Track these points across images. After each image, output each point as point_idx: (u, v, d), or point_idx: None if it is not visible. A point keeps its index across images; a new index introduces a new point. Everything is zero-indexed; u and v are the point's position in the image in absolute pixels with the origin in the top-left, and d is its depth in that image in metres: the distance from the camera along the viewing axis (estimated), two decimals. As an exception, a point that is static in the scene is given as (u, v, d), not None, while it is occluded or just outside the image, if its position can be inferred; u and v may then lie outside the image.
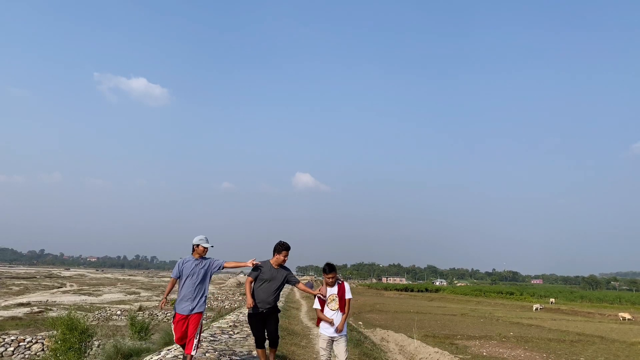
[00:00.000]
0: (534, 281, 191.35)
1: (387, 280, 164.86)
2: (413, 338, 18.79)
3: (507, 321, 35.45)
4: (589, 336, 26.18)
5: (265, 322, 6.29)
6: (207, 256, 6.51)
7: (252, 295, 6.20)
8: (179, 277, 6.32)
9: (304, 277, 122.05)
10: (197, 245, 6.39)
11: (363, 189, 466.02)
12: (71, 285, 75.53)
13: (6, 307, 39.32)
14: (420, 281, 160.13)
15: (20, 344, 20.17)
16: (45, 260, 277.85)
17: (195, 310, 6.24)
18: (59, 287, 69.46)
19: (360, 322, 28.06)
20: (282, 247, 6.23)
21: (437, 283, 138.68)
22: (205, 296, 6.42)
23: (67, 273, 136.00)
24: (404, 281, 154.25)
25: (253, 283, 6.29)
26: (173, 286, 6.39)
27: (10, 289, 62.53)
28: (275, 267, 6.28)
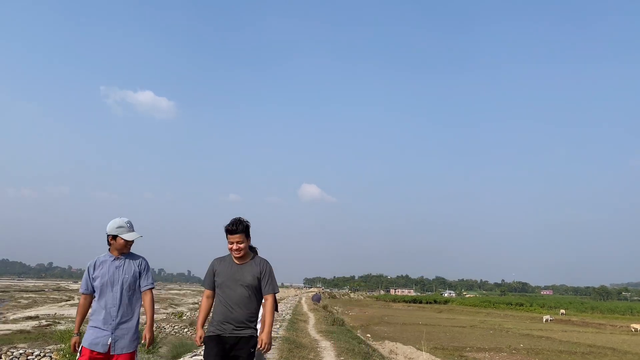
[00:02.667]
0: (543, 292, 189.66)
1: (395, 291, 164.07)
2: (422, 350, 18.66)
3: (517, 333, 35.13)
4: (600, 348, 25.87)
5: (227, 358, 3.89)
6: (135, 253, 4.20)
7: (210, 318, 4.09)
8: (92, 292, 4.03)
9: (312, 289, 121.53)
10: (114, 237, 4.02)
11: (369, 199, 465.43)
12: (79, 298, 75.60)
13: (15, 321, 39.43)
14: (429, 292, 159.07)
15: (29, 357, 20.23)
16: (53, 273, 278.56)
17: (120, 349, 3.94)
18: (67, 300, 69.62)
19: (369, 335, 27.89)
20: (229, 229, 3.95)
21: (446, 294, 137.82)
22: (137, 321, 4.12)
23: (75, 286, 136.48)
24: (412, 293, 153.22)
25: (212, 300, 4.15)
26: (87, 310, 4.10)
27: (19, 302, 62.80)
28: (239, 262, 4.00)
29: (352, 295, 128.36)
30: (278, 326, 18.03)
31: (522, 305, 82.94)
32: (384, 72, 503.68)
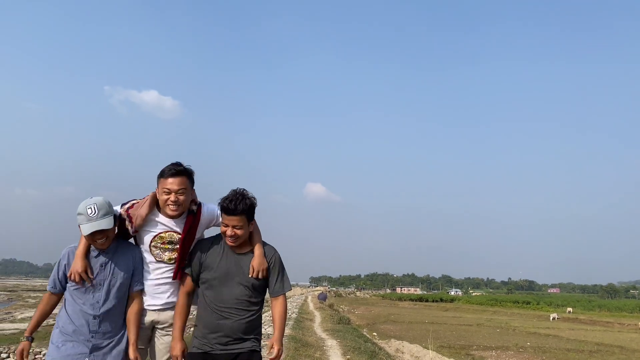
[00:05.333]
0: (550, 290, 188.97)
1: (401, 290, 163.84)
2: (428, 349, 18.60)
3: (524, 331, 34.95)
4: (608, 346, 25.71)
5: None
6: (121, 241, 3.10)
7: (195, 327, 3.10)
8: (62, 292, 3.02)
9: (318, 288, 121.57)
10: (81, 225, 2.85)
11: (375, 198, 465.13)
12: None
13: (22, 320, 39.58)
14: (435, 291, 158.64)
15: (36, 356, 20.37)
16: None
17: None
18: (74, 300, 69.94)
19: (375, 333, 27.83)
20: (226, 208, 2.94)
21: (452, 293, 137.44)
22: (124, 333, 3.03)
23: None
24: (419, 291, 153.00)
25: (192, 297, 3.17)
26: (49, 311, 3.04)
27: (27, 301, 62.99)
28: (237, 252, 3.07)
29: (358, 293, 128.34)
30: (284, 325, 17.98)
31: (529, 303, 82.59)
32: (390, 70, 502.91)
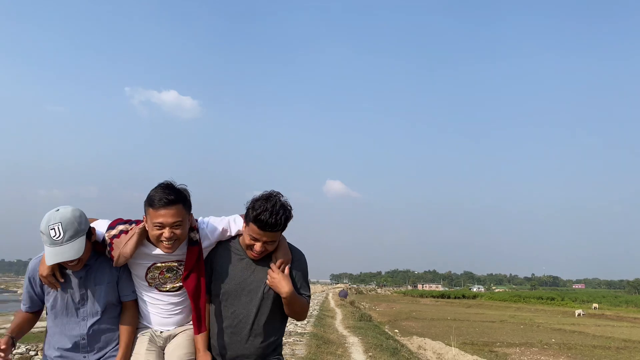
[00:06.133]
0: (575, 286, 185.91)
1: (422, 287, 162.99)
2: (451, 346, 18.48)
3: (549, 327, 34.48)
4: (635, 343, 25.20)
5: None
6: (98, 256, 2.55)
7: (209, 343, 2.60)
8: (40, 310, 2.65)
9: (338, 285, 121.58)
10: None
11: (395, 194, 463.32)
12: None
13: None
14: (457, 288, 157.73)
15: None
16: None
17: None
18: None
19: (396, 330, 27.75)
20: (265, 222, 2.39)
21: (474, 289, 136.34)
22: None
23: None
24: (440, 288, 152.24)
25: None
26: (29, 326, 2.63)
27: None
28: (255, 257, 2.56)
29: (379, 290, 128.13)
30: (306, 322, 18.09)
31: (553, 299, 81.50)
32: (408, 64, 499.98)
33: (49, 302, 2.55)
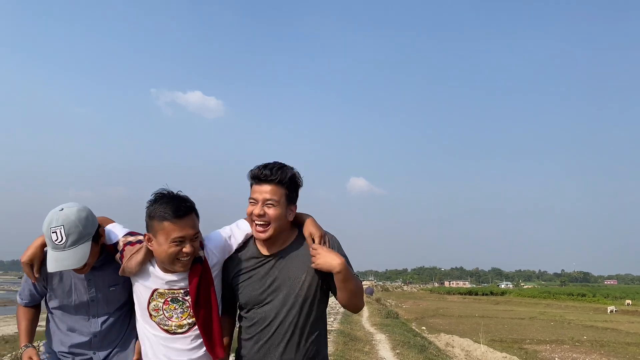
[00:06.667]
0: (607, 282, 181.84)
1: (449, 284, 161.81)
2: (479, 343, 18.29)
3: (580, 324, 33.84)
4: (672, 340, 24.55)
5: None
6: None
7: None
8: (36, 305, 2.46)
9: (364, 283, 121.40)
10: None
11: (420, 190, 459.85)
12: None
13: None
14: (485, 284, 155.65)
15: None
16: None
17: None
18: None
19: (424, 327, 27.60)
20: (257, 175, 2.14)
21: (503, 286, 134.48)
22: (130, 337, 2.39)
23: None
24: (468, 285, 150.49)
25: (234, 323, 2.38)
26: (33, 323, 2.44)
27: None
28: (273, 249, 2.21)
29: (405, 288, 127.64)
30: (332, 319, 18.13)
31: (584, 295, 79.86)
32: (432, 58, 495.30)
33: (53, 301, 2.31)
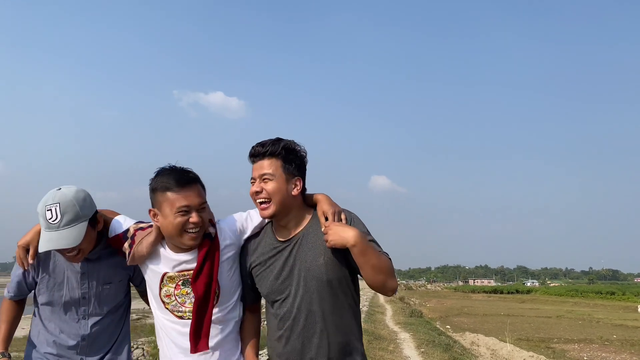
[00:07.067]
0: (637, 279, 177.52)
1: (474, 282, 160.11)
2: (505, 342, 18.07)
3: (609, 323, 33.14)
4: None
5: None
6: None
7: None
8: (22, 300, 2.30)
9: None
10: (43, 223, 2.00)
11: (443, 188, 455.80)
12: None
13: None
14: (510, 282, 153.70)
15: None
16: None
17: None
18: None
19: (448, 326, 27.37)
20: (249, 154, 2.09)
21: (528, 284, 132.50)
22: (121, 344, 2.31)
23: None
24: (492, 283, 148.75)
25: (258, 313, 2.31)
26: (14, 320, 2.25)
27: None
28: (288, 234, 2.10)
29: (429, 286, 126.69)
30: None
31: (613, 294, 78.09)
32: (452, 53, 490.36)
33: (42, 295, 2.17)
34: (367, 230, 2.03)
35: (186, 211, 1.96)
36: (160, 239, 2.09)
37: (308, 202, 2.12)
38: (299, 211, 2.07)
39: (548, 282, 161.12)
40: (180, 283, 2.08)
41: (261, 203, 2.01)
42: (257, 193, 2.00)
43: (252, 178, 2.04)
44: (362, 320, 2.23)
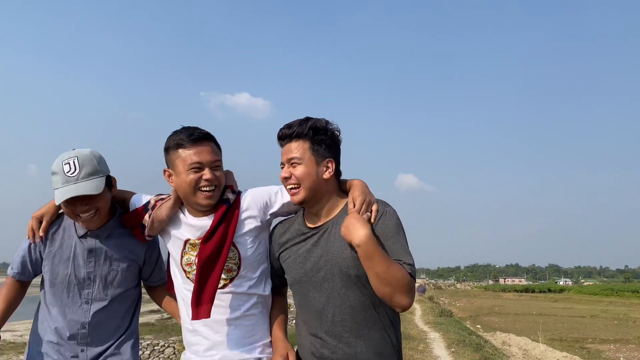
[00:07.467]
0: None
1: (504, 281, 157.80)
2: (538, 342, 17.75)
3: (646, 323, 32.26)
4: None
5: None
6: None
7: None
8: (28, 279, 2.15)
9: (416, 281, 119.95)
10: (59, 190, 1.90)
11: (472, 186, 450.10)
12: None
13: (140, 314, 43.00)
14: (542, 281, 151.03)
15: (155, 347, 22.04)
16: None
17: None
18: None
19: (478, 326, 27.04)
20: (277, 137, 2.00)
21: (561, 283, 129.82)
22: (134, 346, 2.20)
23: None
24: (523, 282, 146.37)
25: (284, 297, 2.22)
26: (19, 298, 2.14)
27: (143, 296, 68.33)
28: (316, 222, 1.97)
29: (458, 285, 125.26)
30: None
31: (650, 292, 76.00)
32: (481, 51, 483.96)
33: (47, 273, 2.09)
34: (397, 230, 1.81)
35: (199, 168, 1.92)
36: (179, 202, 2.05)
37: (343, 188, 1.98)
38: (331, 197, 1.93)
39: (582, 280, 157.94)
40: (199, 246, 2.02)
41: (291, 189, 1.91)
42: (286, 179, 1.90)
43: (281, 163, 1.94)
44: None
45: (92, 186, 1.90)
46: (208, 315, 1.92)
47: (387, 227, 1.80)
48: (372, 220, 1.79)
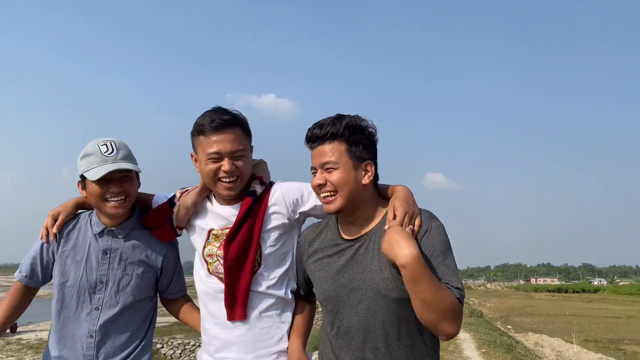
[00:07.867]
0: None
1: (536, 281, 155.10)
2: (572, 343, 17.41)
3: (686, 324, 31.26)
4: None
5: None
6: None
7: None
8: (36, 285, 2.00)
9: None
10: (84, 180, 1.88)
11: (502, 183, 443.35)
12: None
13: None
14: (575, 281, 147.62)
15: (186, 347, 22.43)
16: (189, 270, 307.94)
17: None
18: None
19: (510, 326, 26.66)
20: (309, 136, 1.70)
21: (595, 283, 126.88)
22: (138, 352, 1.97)
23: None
24: (556, 281, 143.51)
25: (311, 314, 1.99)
26: (17, 307, 1.97)
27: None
28: (353, 234, 1.71)
29: (488, 285, 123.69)
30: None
31: (689, 292, 73.56)
32: (512, 47, 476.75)
33: (56, 276, 1.94)
34: (445, 249, 1.57)
35: (217, 158, 1.78)
36: (206, 189, 1.93)
37: (383, 195, 1.73)
38: (369, 205, 1.68)
39: (617, 280, 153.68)
40: (224, 243, 1.88)
41: (325, 197, 1.64)
42: (320, 186, 1.63)
43: (312, 167, 1.68)
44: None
45: (131, 165, 1.86)
46: (243, 317, 1.82)
47: (433, 245, 1.56)
48: (414, 235, 1.56)
